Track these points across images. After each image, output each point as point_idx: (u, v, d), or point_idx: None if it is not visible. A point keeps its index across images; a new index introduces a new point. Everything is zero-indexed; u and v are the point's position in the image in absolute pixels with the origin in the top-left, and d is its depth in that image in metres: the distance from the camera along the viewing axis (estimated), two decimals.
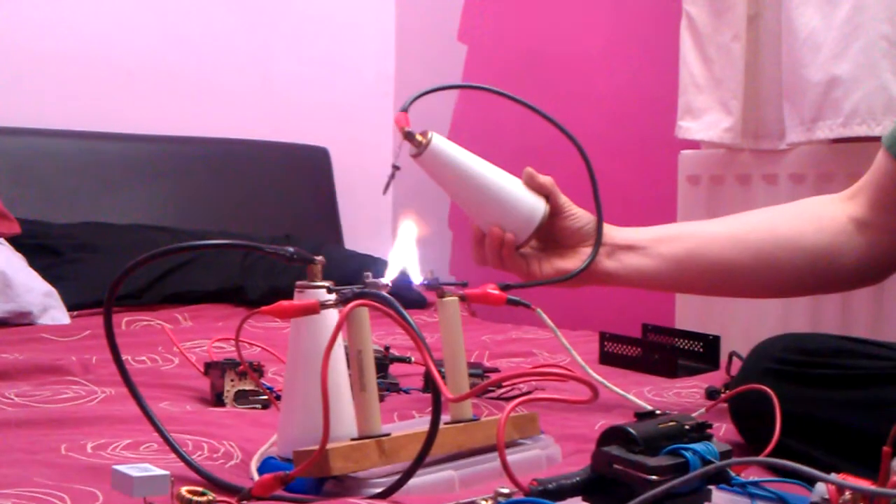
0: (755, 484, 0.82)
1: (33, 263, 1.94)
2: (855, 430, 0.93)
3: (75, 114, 2.41)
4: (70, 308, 1.88)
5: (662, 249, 1.21)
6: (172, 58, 2.60)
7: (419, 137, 1.17)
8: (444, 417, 0.95)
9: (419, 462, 0.84)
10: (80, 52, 2.46)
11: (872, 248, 1.15)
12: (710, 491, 0.73)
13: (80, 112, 2.42)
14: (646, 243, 1.22)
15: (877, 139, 1.75)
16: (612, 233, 1.23)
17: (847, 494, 0.58)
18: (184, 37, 2.63)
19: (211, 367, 1.26)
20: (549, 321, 1.15)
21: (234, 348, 1.24)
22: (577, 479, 0.71)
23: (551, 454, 1.01)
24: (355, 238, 2.77)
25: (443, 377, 0.91)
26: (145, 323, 1.87)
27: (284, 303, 0.89)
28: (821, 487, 0.59)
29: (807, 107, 1.82)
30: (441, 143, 1.18)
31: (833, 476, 0.58)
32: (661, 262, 1.20)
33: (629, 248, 1.22)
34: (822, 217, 1.19)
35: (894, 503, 0.56)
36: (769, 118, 1.94)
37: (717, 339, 1.59)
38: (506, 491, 0.61)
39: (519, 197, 1.20)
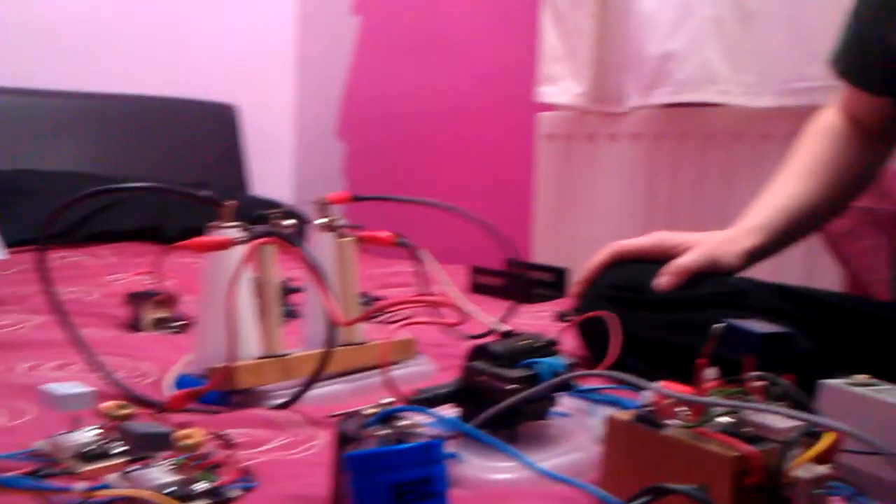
0: (594, 391, 0.84)
1: None
2: (677, 346, 0.95)
3: (6, 71, 2.31)
4: (8, 245, 1.81)
5: (772, 237, 1.10)
6: (95, 18, 2.49)
7: None
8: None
9: (315, 377, 0.85)
10: (5, 13, 2.35)
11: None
12: (556, 397, 0.75)
13: (10, 70, 2.32)
14: (763, 243, 1.09)
15: (703, 105, 1.80)
16: (727, 260, 1.06)
17: (668, 400, 0.60)
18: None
19: (132, 298, 1.23)
20: (429, 259, 1.16)
21: (152, 281, 1.22)
22: (449, 389, 0.72)
23: (428, 371, 1.02)
24: (261, 186, 2.73)
25: None
26: (74, 259, 1.82)
27: (199, 239, 0.87)
28: (648, 394, 0.61)
29: (645, 76, 1.85)
30: None
31: (656, 384, 0.60)
32: (776, 244, 1.12)
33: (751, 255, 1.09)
34: (843, 133, 1.16)
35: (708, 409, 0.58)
36: (614, 85, 1.96)
37: (565, 270, 1.62)
38: (388, 401, 0.62)
39: None
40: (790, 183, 1.13)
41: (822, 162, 1.13)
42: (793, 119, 1.54)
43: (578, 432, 0.75)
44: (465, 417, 0.70)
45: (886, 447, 0.51)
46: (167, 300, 1.23)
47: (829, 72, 1.17)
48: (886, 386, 0.69)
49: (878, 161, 1.18)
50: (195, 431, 0.64)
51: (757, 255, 1.09)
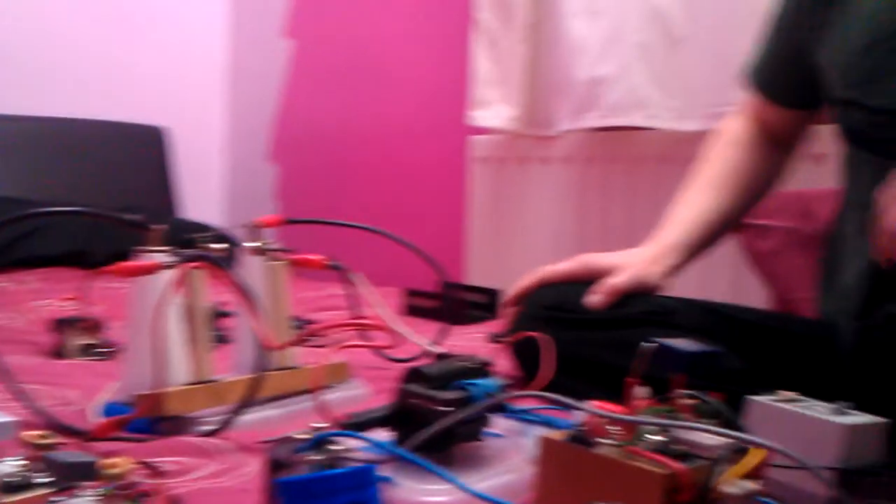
0: (527, 411, 0.84)
1: None
2: (609, 365, 0.95)
3: None
4: None
5: (691, 252, 1.13)
6: (21, 41, 2.44)
7: None
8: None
9: (246, 403, 0.83)
10: None
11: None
12: (490, 418, 0.75)
13: None
14: (680, 261, 1.11)
15: (632, 128, 1.83)
16: (653, 281, 1.08)
17: (600, 419, 0.60)
18: (33, 20, 2.48)
19: (57, 324, 1.20)
20: (361, 282, 1.15)
21: (77, 307, 1.19)
22: (382, 412, 0.71)
23: (361, 394, 1.01)
24: (192, 209, 2.70)
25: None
26: None
27: (125, 264, 0.86)
28: (580, 413, 0.62)
29: (575, 101, 1.87)
30: None
31: (588, 404, 0.60)
32: (691, 258, 1.14)
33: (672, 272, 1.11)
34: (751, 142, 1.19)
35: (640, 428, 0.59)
36: (545, 109, 1.98)
37: (499, 292, 1.63)
38: (321, 425, 0.61)
39: None
40: (703, 194, 1.16)
41: (733, 172, 1.16)
42: None
43: (513, 453, 0.75)
44: (399, 441, 0.69)
45: (812, 462, 0.51)
46: (93, 326, 1.20)
47: (743, 83, 1.20)
48: (811, 402, 0.70)
49: (784, 167, 1.21)
50: (122, 460, 0.63)
51: (675, 272, 1.11)
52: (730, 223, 1.18)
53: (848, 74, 0.99)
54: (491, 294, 1.63)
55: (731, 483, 0.56)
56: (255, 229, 1.03)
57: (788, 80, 1.13)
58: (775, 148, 1.18)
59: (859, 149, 0.99)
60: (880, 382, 0.90)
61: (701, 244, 1.13)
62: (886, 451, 0.67)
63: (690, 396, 0.62)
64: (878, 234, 0.67)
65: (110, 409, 0.88)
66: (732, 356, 0.94)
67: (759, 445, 0.56)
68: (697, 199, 1.15)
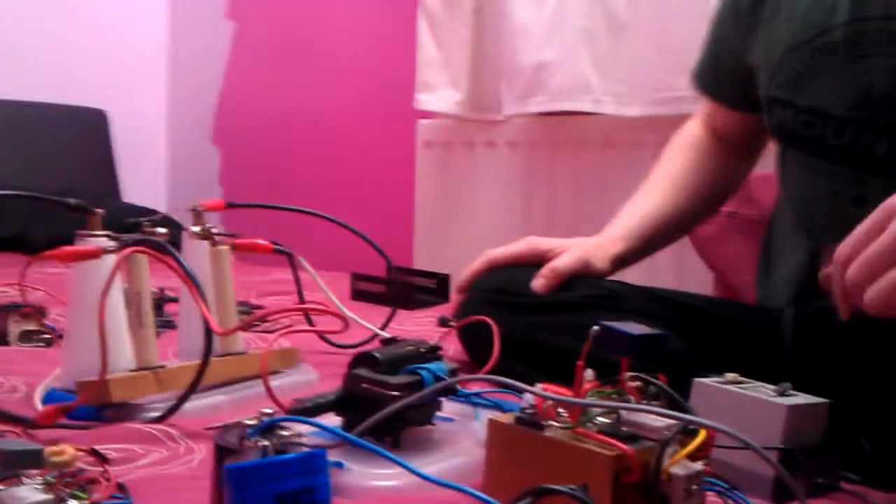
0: (477, 395, 0.85)
1: None
2: (555, 348, 0.96)
3: None
4: None
5: (637, 244, 1.13)
6: None
7: None
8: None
9: (192, 389, 0.82)
10: None
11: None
12: (441, 402, 0.75)
13: None
14: (627, 250, 1.12)
15: (577, 113, 1.84)
16: (598, 265, 1.08)
17: (548, 402, 0.61)
18: None
19: None
20: (308, 266, 1.14)
21: (18, 292, 1.16)
22: (331, 397, 0.71)
23: (310, 380, 1.00)
24: (133, 193, 2.65)
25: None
26: None
27: (68, 248, 0.84)
28: (529, 396, 0.62)
29: (520, 85, 1.88)
30: None
31: (537, 387, 0.60)
32: (639, 251, 1.15)
33: (619, 261, 1.12)
34: (709, 149, 1.20)
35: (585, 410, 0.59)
36: (491, 94, 1.99)
37: (447, 277, 1.63)
38: (269, 411, 0.61)
39: None
40: (654, 193, 1.17)
41: (685, 173, 1.18)
42: (662, 127, 1.59)
43: (463, 437, 0.75)
44: (349, 426, 0.69)
45: (756, 442, 0.52)
46: (34, 312, 1.18)
47: (692, 86, 1.21)
48: (755, 383, 0.72)
49: (740, 173, 1.22)
50: (67, 447, 0.61)
51: (623, 261, 1.12)
52: (682, 224, 1.19)
53: (777, 74, 1.00)
54: (439, 278, 1.63)
55: (678, 464, 0.57)
56: (198, 213, 1.02)
57: (730, 81, 1.14)
58: (730, 153, 1.19)
59: (789, 147, 1.01)
60: (818, 367, 0.92)
61: (649, 239, 1.14)
62: (827, 432, 0.69)
63: (637, 379, 0.62)
64: (833, 290, 0.69)
65: (53, 396, 0.86)
66: (677, 339, 0.96)
67: (704, 426, 0.57)
68: (650, 196, 1.17)
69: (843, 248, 0.67)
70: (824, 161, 0.95)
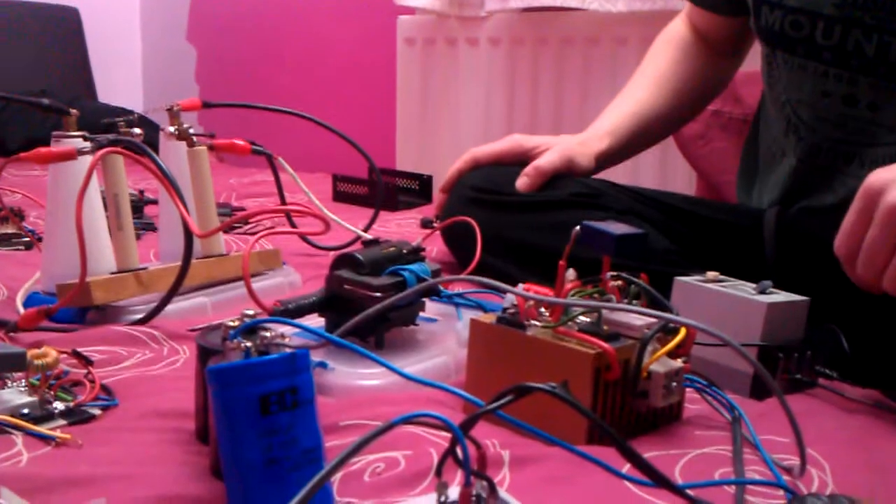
0: (460, 295, 0.85)
1: None
2: (538, 247, 0.96)
3: None
4: None
5: (621, 142, 1.13)
6: None
7: None
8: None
9: (174, 291, 0.82)
10: None
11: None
12: (424, 302, 0.76)
13: None
14: (612, 147, 1.11)
15: (560, 9, 1.81)
16: (582, 162, 1.08)
17: (530, 301, 0.61)
18: None
19: None
20: (288, 167, 1.13)
21: None
22: (314, 298, 0.71)
23: (293, 281, 1.01)
24: (109, 93, 2.60)
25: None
26: None
27: (43, 149, 0.83)
28: (511, 296, 0.62)
29: None
30: None
31: (519, 287, 0.61)
32: (624, 149, 1.14)
33: (603, 158, 1.11)
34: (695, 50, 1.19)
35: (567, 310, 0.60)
36: None
37: (430, 178, 1.62)
38: (251, 312, 0.61)
39: None
40: (639, 91, 1.16)
41: (670, 73, 1.17)
42: (646, 24, 1.56)
43: (445, 336, 0.76)
44: (332, 327, 0.69)
45: (736, 340, 0.53)
46: (12, 215, 1.17)
47: None
48: (736, 282, 0.72)
49: (725, 73, 1.21)
50: (50, 350, 0.62)
51: (607, 158, 1.12)
52: (666, 123, 1.18)
53: None
54: (422, 179, 1.63)
55: (658, 361, 0.58)
56: (174, 114, 1.00)
57: None
58: (715, 53, 1.18)
59: (776, 49, 0.99)
60: (799, 267, 0.93)
61: (633, 137, 1.13)
62: (806, 328, 0.70)
63: (618, 278, 0.63)
64: (851, 277, 0.69)
65: (34, 300, 0.86)
66: (659, 237, 0.96)
67: (684, 324, 0.58)
68: (634, 94, 1.16)
69: (840, 246, 0.68)
70: (813, 62, 0.94)
